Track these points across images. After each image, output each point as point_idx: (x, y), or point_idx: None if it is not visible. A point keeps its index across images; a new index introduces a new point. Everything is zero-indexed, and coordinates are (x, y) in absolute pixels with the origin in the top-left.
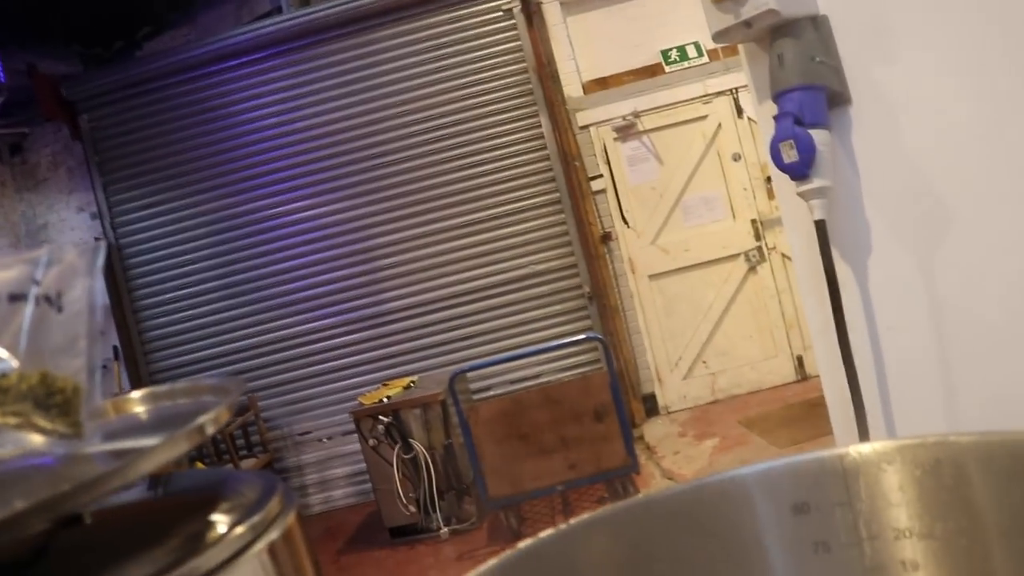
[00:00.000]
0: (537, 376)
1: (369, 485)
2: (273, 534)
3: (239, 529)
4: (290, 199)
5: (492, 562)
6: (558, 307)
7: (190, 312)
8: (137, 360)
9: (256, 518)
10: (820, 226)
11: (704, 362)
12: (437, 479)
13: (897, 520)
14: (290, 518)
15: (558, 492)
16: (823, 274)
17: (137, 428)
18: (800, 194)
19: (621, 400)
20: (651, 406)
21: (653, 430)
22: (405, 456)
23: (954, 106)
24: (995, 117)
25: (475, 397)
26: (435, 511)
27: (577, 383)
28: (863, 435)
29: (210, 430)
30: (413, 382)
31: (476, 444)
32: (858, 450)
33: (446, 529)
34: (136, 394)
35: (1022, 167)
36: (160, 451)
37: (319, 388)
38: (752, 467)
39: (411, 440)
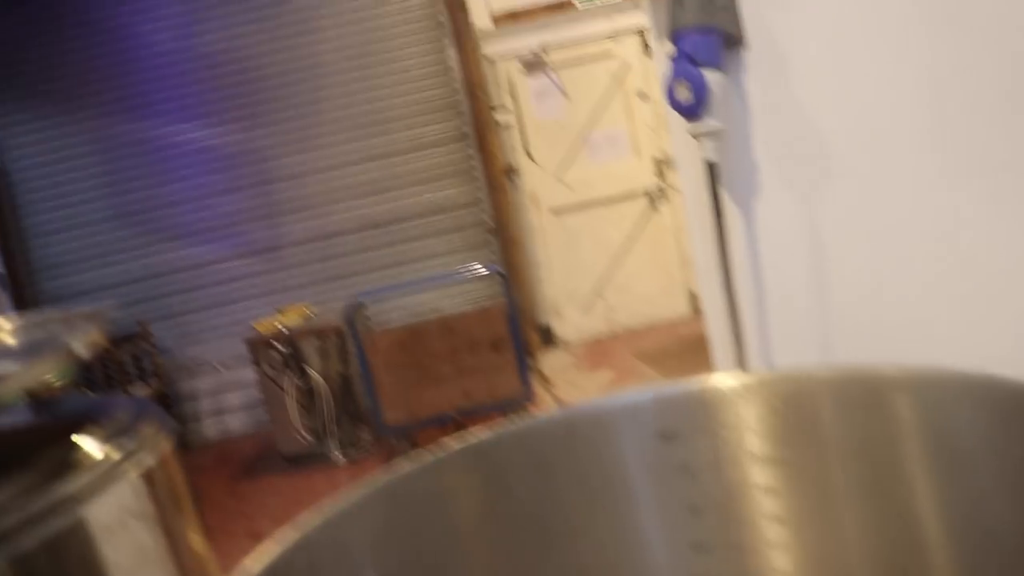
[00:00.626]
0: (438, 309)
1: (265, 414)
2: (146, 459)
3: (109, 452)
4: (186, 126)
5: (350, 494)
6: (460, 240)
7: (82, 239)
8: (24, 286)
9: (128, 442)
10: (710, 166)
11: (603, 297)
12: (333, 408)
13: (755, 447)
14: (164, 444)
15: (452, 420)
16: (711, 213)
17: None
18: (692, 134)
19: (518, 331)
20: (549, 338)
21: (550, 361)
22: (301, 385)
23: (844, 54)
24: (881, 65)
25: (373, 327)
26: (331, 439)
27: (475, 314)
28: (742, 367)
29: (79, 355)
30: (311, 311)
31: (373, 373)
32: (722, 381)
33: (342, 457)
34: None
35: (903, 113)
36: (19, 377)
37: (214, 317)
38: (621, 396)
39: (307, 369)
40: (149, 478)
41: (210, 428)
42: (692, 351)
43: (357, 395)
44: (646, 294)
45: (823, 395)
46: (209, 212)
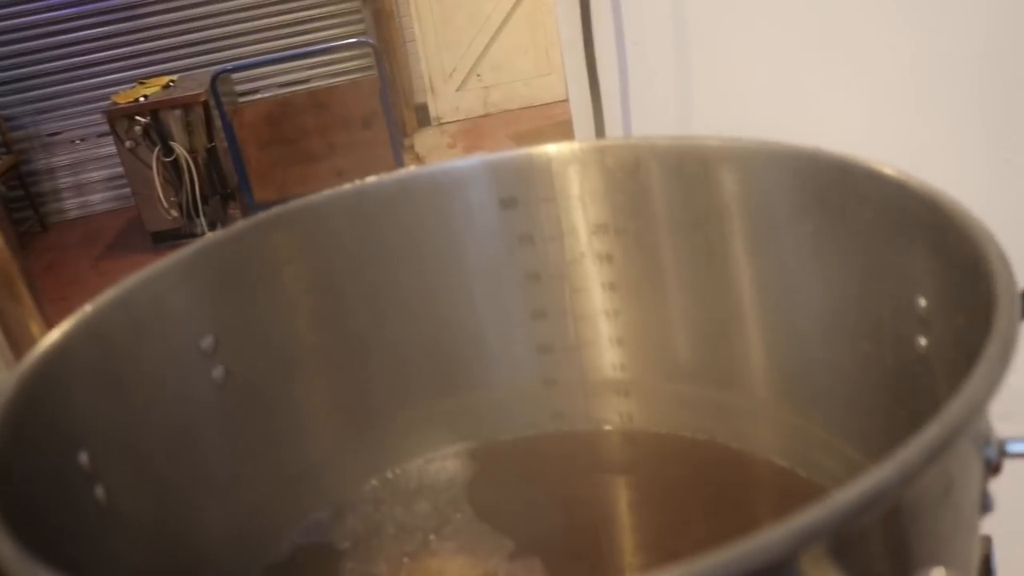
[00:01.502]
0: (307, 81)
1: (128, 190)
2: None
3: None
4: None
5: (177, 254)
6: (331, 8)
7: None
8: None
9: None
10: None
11: (478, 75)
12: (200, 183)
13: (596, 216)
14: None
15: None
16: None
17: None
18: None
19: (391, 108)
20: (423, 116)
21: (423, 140)
22: (166, 159)
23: None
24: None
25: (240, 100)
26: (199, 216)
27: (346, 88)
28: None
29: None
30: (172, 81)
31: (240, 148)
32: (566, 148)
33: (210, 233)
34: None
35: None
36: None
37: (68, 85)
38: (459, 161)
39: (171, 143)
40: None
41: (71, 206)
42: (568, 134)
43: (226, 171)
44: (523, 74)
45: (655, 164)
46: None
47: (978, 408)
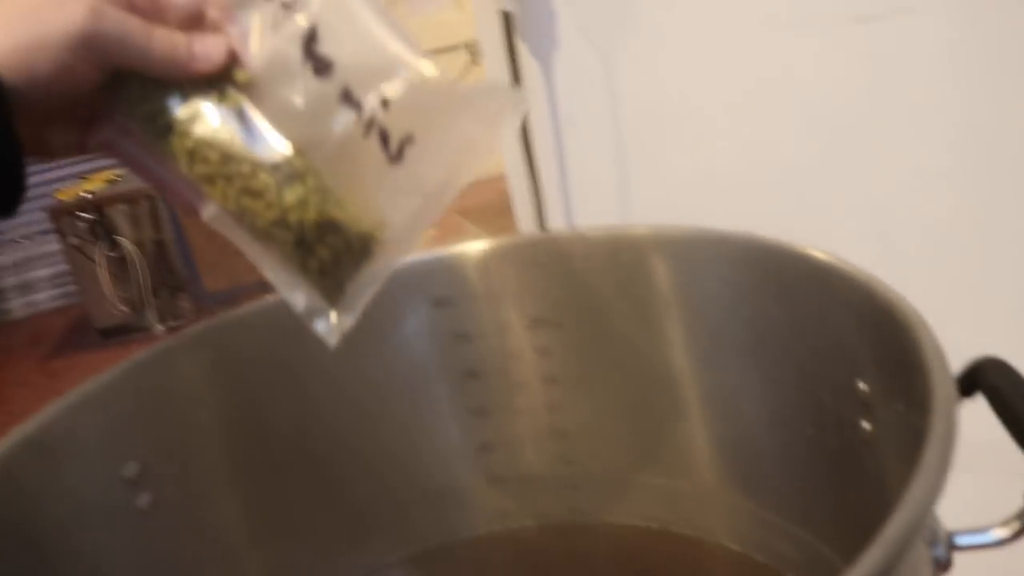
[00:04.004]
0: None
1: (75, 287)
2: None
3: None
4: None
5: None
6: None
7: None
8: None
9: None
10: (506, 16)
11: None
12: (149, 276)
13: (533, 311)
14: None
15: None
16: (507, 65)
17: None
18: None
19: None
20: None
21: None
22: (112, 254)
23: None
24: None
25: None
26: (148, 309)
27: None
28: (543, 227)
29: None
30: (118, 175)
31: (188, 238)
32: (498, 244)
33: (161, 327)
34: None
35: None
36: None
37: None
38: None
39: (117, 237)
40: None
41: (17, 306)
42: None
43: (175, 262)
44: None
45: (589, 256)
46: None
47: (924, 515)
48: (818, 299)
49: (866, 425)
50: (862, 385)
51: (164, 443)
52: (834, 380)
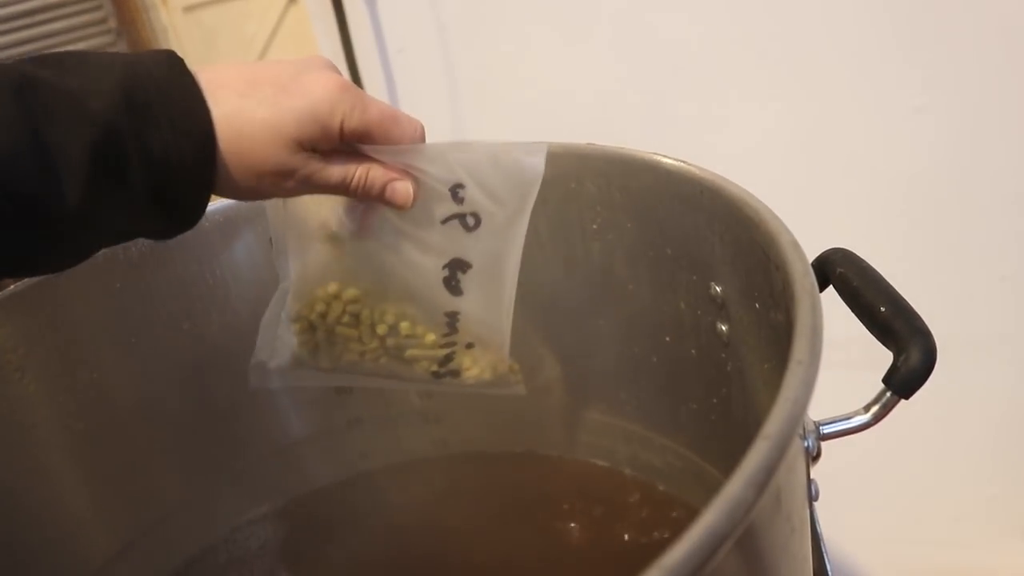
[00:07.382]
0: None
1: None
2: None
3: None
4: None
5: None
6: (80, 45)
7: None
8: None
9: None
10: None
11: None
12: None
13: None
14: None
15: None
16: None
17: None
18: None
19: None
20: None
21: None
22: None
23: None
24: None
25: None
26: None
27: None
28: None
29: None
30: None
31: None
32: None
33: None
34: None
35: None
36: None
37: None
38: (221, 205)
39: None
40: None
41: None
42: None
43: None
44: None
45: None
46: None
47: (804, 408)
48: (668, 206)
49: (723, 327)
50: (717, 288)
51: None
52: (688, 286)
